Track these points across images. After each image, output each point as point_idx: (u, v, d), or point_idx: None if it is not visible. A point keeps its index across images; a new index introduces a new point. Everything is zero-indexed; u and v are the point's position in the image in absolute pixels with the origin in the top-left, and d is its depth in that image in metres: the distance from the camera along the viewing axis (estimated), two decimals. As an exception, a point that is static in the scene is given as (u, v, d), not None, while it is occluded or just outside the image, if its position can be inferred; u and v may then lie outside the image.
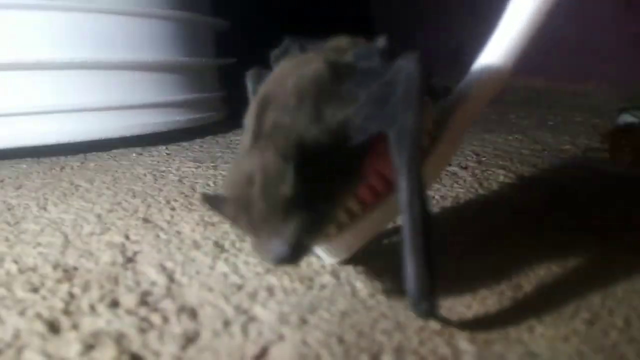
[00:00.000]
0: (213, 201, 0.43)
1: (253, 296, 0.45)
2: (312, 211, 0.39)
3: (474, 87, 0.50)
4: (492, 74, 0.50)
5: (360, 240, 0.48)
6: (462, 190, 0.75)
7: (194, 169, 0.92)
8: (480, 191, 0.75)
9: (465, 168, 0.89)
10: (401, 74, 0.40)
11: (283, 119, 0.41)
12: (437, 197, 0.72)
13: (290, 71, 0.44)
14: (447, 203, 0.70)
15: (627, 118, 0.96)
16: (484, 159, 0.97)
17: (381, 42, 0.45)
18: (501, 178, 0.82)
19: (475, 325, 0.40)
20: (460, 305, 0.43)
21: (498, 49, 0.50)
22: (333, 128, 0.40)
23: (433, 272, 0.38)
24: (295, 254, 0.39)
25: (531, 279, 0.48)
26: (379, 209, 0.47)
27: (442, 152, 0.49)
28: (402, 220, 0.39)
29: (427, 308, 0.38)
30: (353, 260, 0.50)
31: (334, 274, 0.49)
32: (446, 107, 0.51)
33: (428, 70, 0.41)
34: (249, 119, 0.44)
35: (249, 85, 0.50)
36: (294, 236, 0.38)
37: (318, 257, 0.51)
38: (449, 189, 0.76)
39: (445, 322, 0.40)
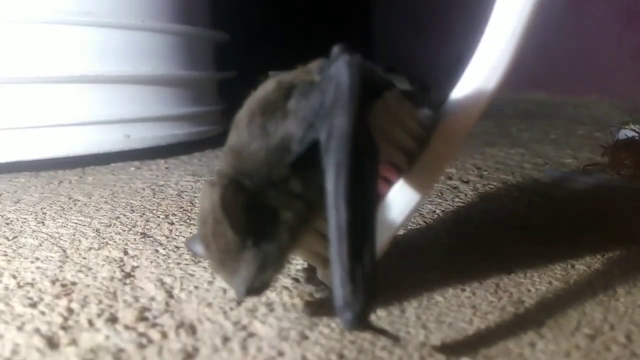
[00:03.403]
0: (192, 242, 0.46)
1: (252, 312, 0.44)
2: (269, 241, 0.40)
3: (454, 111, 0.47)
4: (472, 98, 0.47)
5: None
6: (463, 204, 0.75)
7: (192, 183, 0.92)
8: (482, 205, 0.75)
9: (467, 182, 0.89)
10: (332, 79, 0.39)
11: (234, 141, 0.42)
12: (438, 211, 0.72)
13: (252, 96, 0.44)
14: (448, 217, 0.69)
15: (627, 133, 0.96)
16: (485, 172, 0.97)
17: (334, 51, 0.42)
18: (502, 192, 0.82)
19: (477, 340, 0.40)
20: (462, 321, 0.43)
21: (480, 69, 0.47)
22: (276, 143, 0.40)
23: (363, 281, 0.36)
24: (255, 290, 0.40)
25: (532, 294, 0.48)
26: None
27: (430, 162, 0.46)
28: (328, 225, 0.37)
29: (349, 318, 0.36)
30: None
31: (334, 289, 0.48)
32: (438, 116, 0.48)
33: (366, 70, 0.40)
34: None
35: None
36: (249, 277, 0.39)
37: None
38: (450, 203, 0.75)
39: (376, 331, 0.38)
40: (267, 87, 0.43)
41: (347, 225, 0.36)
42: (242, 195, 0.39)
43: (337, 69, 0.39)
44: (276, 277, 0.42)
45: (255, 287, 0.40)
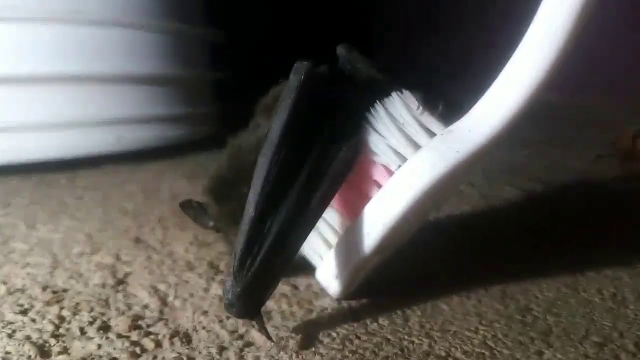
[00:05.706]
0: None
1: (249, 320, 0.43)
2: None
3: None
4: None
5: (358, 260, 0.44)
6: (468, 207, 0.74)
7: (187, 186, 0.91)
8: (487, 208, 0.74)
9: (472, 185, 0.88)
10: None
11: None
12: (442, 216, 0.71)
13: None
14: (453, 221, 0.69)
15: None
16: (490, 174, 0.96)
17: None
18: (508, 195, 0.82)
19: (483, 350, 0.39)
20: (467, 330, 0.42)
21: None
22: (258, 134, 0.47)
23: (247, 276, 0.38)
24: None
25: (540, 301, 0.47)
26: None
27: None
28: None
29: (225, 303, 0.39)
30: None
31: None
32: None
33: (325, 76, 0.43)
34: None
35: None
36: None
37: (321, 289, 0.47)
38: (455, 208, 0.75)
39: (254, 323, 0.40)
40: (270, 93, 0.51)
41: (250, 222, 0.38)
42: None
43: (289, 79, 0.43)
44: None
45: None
